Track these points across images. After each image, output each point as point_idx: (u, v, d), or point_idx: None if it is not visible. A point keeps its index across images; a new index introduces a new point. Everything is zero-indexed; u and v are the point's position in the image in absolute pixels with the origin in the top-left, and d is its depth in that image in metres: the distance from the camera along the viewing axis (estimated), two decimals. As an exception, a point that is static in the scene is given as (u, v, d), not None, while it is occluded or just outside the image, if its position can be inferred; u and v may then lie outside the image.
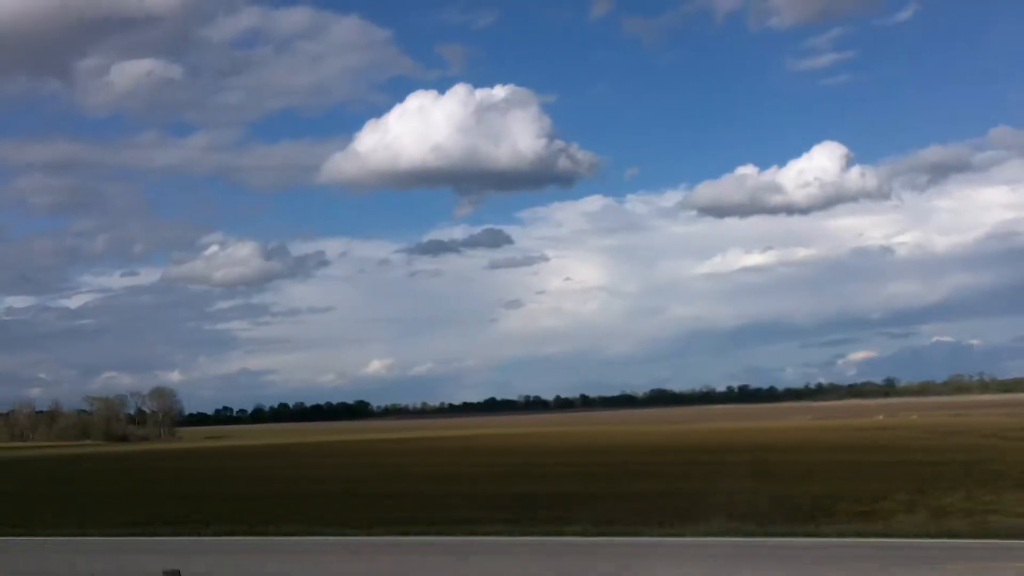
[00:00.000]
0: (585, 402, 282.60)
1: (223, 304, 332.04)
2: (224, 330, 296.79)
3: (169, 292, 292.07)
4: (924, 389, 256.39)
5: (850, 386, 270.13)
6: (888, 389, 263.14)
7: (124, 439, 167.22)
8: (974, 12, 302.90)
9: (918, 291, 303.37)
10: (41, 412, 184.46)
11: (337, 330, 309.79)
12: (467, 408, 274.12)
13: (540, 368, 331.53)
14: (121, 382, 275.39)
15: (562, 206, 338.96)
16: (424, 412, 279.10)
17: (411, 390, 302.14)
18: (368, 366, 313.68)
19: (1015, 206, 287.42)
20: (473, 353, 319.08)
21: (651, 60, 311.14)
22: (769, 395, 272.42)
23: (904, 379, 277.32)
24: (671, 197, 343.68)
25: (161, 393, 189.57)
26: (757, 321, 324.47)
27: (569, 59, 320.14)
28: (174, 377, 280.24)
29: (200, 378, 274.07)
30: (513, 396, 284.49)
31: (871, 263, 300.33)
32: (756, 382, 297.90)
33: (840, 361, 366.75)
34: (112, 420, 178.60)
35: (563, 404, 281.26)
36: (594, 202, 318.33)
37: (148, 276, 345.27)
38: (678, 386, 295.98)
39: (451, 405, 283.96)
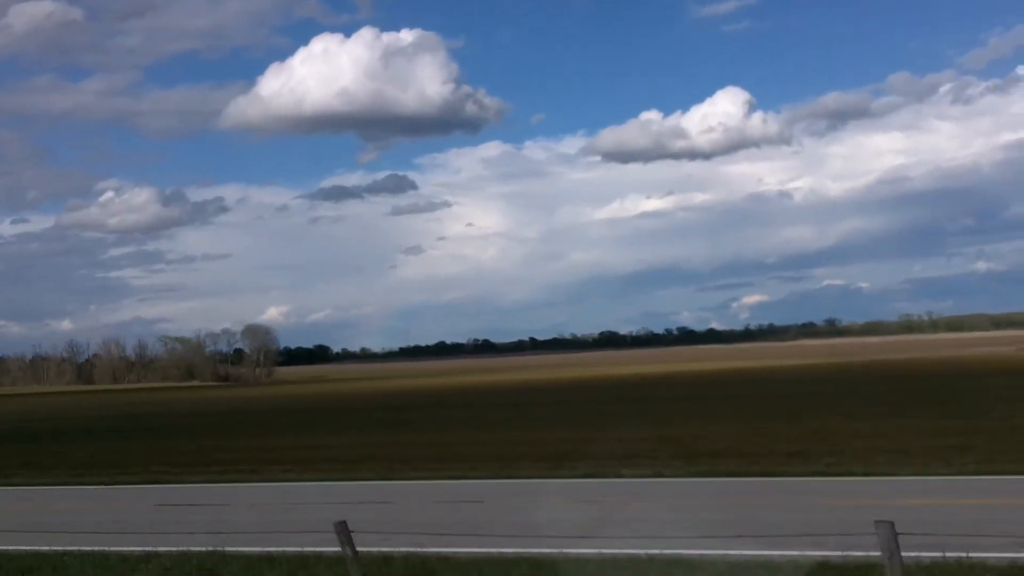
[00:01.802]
0: (486, 347, 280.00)
1: (116, 251, 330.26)
2: (117, 278, 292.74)
3: (61, 239, 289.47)
4: (872, 329, 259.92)
5: (802, 325, 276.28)
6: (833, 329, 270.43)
7: (226, 379, 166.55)
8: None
9: (811, 236, 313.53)
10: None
11: (233, 277, 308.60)
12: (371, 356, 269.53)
13: (440, 314, 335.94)
14: (10, 331, 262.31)
15: (460, 152, 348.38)
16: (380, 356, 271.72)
17: (308, 337, 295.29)
18: (265, 313, 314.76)
19: (906, 151, 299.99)
20: (372, 300, 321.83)
21: (561, 6, 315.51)
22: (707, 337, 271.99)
23: (790, 322, 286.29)
24: (571, 143, 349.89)
25: (255, 331, 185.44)
26: (655, 266, 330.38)
27: (478, 3, 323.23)
28: (65, 326, 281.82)
29: (92, 326, 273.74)
30: (422, 342, 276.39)
31: (767, 208, 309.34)
32: (653, 326, 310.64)
33: (734, 304, 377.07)
34: (217, 361, 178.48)
35: (454, 350, 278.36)
36: (493, 148, 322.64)
37: (40, 223, 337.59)
38: (577, 330, 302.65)
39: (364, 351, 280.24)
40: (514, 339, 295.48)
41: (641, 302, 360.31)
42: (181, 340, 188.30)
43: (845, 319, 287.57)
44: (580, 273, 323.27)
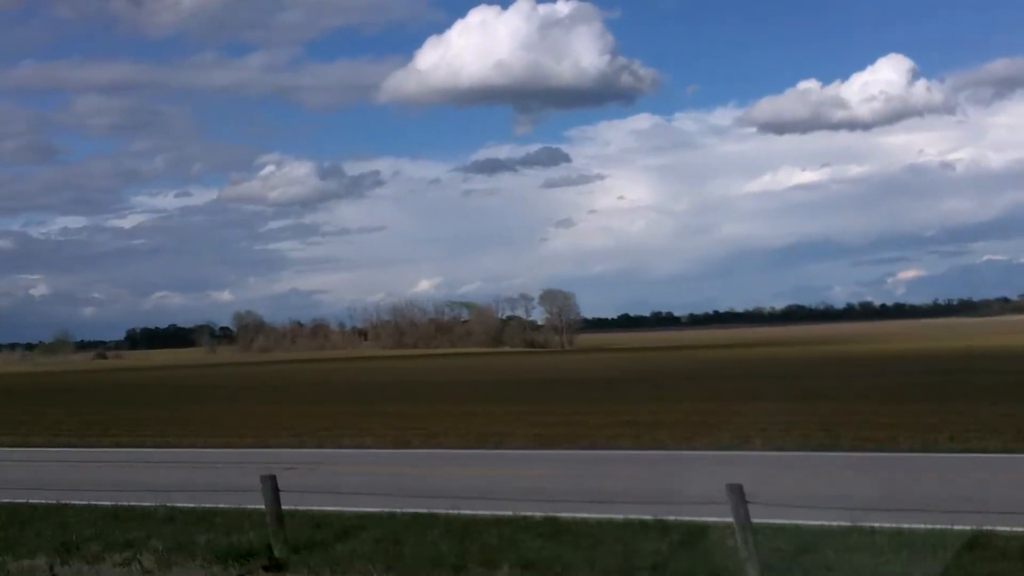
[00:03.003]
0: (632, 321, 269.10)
1: (275, 224, 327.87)
2: (275, 250, 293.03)
3: (222, 212, 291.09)
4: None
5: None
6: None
7: (532, 346, 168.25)
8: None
9: (972, 208, 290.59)
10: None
11: (387, 250, 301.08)
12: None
13: (587, 286, 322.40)
14: (172, 301, 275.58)
15: (611, 124, 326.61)
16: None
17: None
18: (417, 285, 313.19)
19: None
20: (522, 272, 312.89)
21: None
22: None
23: (947, 298, 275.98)
24: (723, 114, 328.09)
25: (554, 296, 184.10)
26: (807, 239, 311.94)
27: None
28: (226, 296, 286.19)
29: (251, 297, 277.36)
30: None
31: (926, 180, 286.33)
32: (805, 301, 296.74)
33: (889, 279, 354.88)
34: (522, 327, 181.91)
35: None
36: (643, 120, 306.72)
37: (202, 196, 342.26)
38: (726, 305, 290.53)
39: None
40: (665, 312, 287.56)
41: (793, 276, 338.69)
42: (469, 305, 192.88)
43: (1007, 295, 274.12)
44: (730, 247, 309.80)
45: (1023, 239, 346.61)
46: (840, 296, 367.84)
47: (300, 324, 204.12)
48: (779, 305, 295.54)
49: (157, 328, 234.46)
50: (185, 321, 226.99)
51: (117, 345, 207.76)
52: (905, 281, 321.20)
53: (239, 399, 45.68)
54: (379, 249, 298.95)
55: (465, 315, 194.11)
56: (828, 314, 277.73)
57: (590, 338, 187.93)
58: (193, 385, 64.52)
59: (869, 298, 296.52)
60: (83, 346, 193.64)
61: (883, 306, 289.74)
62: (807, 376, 50.30)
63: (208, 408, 39.12)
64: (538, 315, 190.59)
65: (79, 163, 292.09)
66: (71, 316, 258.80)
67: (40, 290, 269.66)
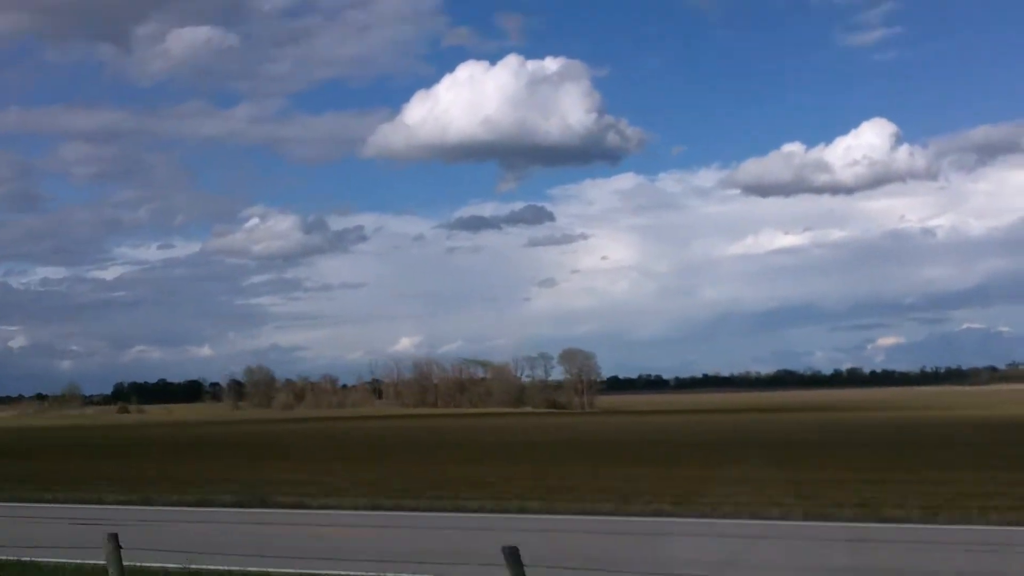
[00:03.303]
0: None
1: (257, 278, 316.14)
2: (256, 305, 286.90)
3: (205, 265, 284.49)
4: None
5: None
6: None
7: (554, 406, 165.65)
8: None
9: (952, 276, 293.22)
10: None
11: (368, 306, 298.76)
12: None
13: (568, 347, 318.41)
14: (151, 355, 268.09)
15: (594, 183, 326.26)
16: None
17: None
18: (397, 343, 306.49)
19: None
20: (503, 332, 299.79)
21: (707, 35, 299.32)
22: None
23: (930, 366, 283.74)
24: (706, 176, 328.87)
25: (574, 356, 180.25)
26: (788, 303, 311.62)
27: (624, 32, 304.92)
28: (204, 351, 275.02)
29: (230, 353, 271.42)
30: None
31: (907, 246, 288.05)
32: (785, 365, 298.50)
33: (869, 346, 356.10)
34: (543, 387, 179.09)
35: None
36: (627, 180, 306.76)
37: (186, 248, 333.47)
38: (707, 367, 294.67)
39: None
40: (654, 375, 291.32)
41: (774, 340, 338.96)
42: (485, 364, 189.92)
43: (983, 364, 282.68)
44: (712, 309, 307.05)
45: (1002, 307, 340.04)
46: (820, 362, 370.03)
47: (310, 380, 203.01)
48: (763, 369, 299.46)
49: (146, 383, 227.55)
50: (164, 375, 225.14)
51: (106, 400, 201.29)
52: (884, 348, 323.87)
53: (435, 456, 42.01)
54: (360, 305, 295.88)
55: (481, 373, 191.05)
56: (816, 379, 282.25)
57: (609, 399, 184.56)
58: (354, 440, 60.93)
59: (848, 364, 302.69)
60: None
61: (872, 372, 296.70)
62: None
63: (429, 465, 36.05)
64: (557, 374, 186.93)
65: (62, 211, 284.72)
66: (48, 369, 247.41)
67: (18, 341, 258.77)
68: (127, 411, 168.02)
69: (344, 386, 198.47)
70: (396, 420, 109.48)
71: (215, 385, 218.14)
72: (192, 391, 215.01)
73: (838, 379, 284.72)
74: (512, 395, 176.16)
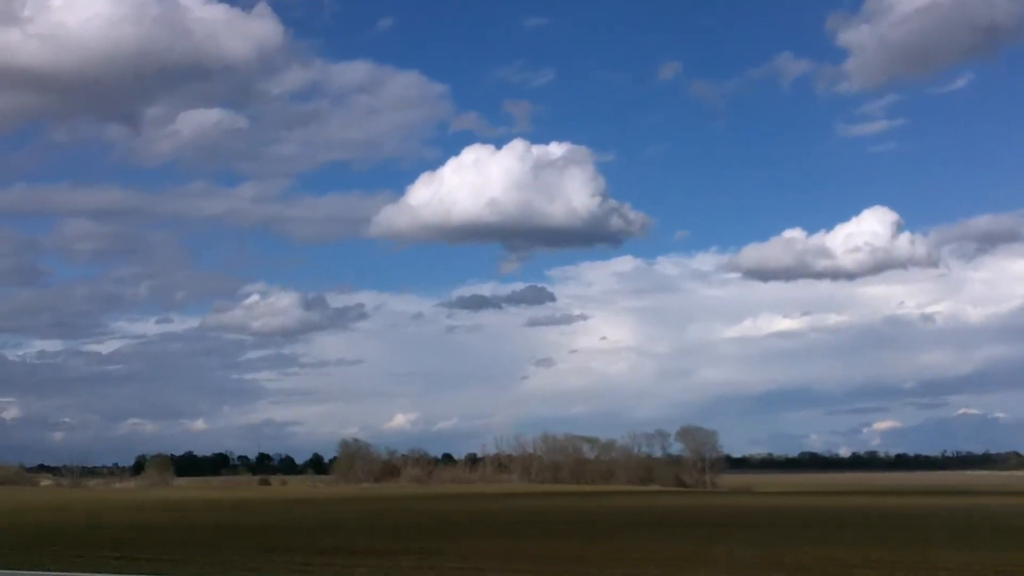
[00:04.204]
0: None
1: (253, 354, 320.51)
2: (251, 380, 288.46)
3: (202, 340, 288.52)
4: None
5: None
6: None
7: (681, 484, 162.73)
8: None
9: (949, 362, 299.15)
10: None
11: (364, 383, 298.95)
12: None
13: (564, 427, 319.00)
14: (144, 429, 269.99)
15: (593, 265, 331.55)
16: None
17: (432, 445, 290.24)
18: (392, 419, 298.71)
19: None
20: (500, 410, 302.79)
21: (711, 123, 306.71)
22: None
23: (927, 451, 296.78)
24: (704, 259, 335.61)
25: (693, 433, 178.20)
26: (785, 387, 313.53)
27: (629, 119, 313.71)
28: (198, 426, 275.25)
29: (224, 427, 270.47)
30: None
31: (904, 332, 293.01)
32: (782, 449, 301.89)
33: (865, 429, 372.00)
34: (669, 465, 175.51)
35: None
36: (626, 263, 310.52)
37: (184, 324, 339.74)
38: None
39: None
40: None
41: (769, 423, 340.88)
42: (590, 440, 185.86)
43: (979, 450, 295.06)
44: (709, 391, 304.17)
45: (998, 393, 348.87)
46: (816, 444, 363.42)
47: (398, 454, 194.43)
48: (756, 451, 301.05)
49: (173, 455, 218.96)
50: (158, 447, 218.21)
51: (133, 470, 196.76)
52: (880, 432, 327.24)
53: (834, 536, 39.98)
54: (356, 382, 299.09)
55: (588, 451, 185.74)
56: (833, 462, 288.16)
57: (731, 478, 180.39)
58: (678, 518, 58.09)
59: (844, 447, 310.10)
60: (88, 472, 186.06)
61: (899, 456, 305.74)
62: None
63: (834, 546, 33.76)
64: (675, 452, 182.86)
65: (61, 286, 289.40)
66: (40, 441, 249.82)
67: (11, 413, 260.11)
68: (268, 483, 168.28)
69: (436, 460, 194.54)
70: (608, 498, 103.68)
71: (243, 458, 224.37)
72: (218, 464, 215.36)
73: (852, 461, 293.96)
74: (639, 473, 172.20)
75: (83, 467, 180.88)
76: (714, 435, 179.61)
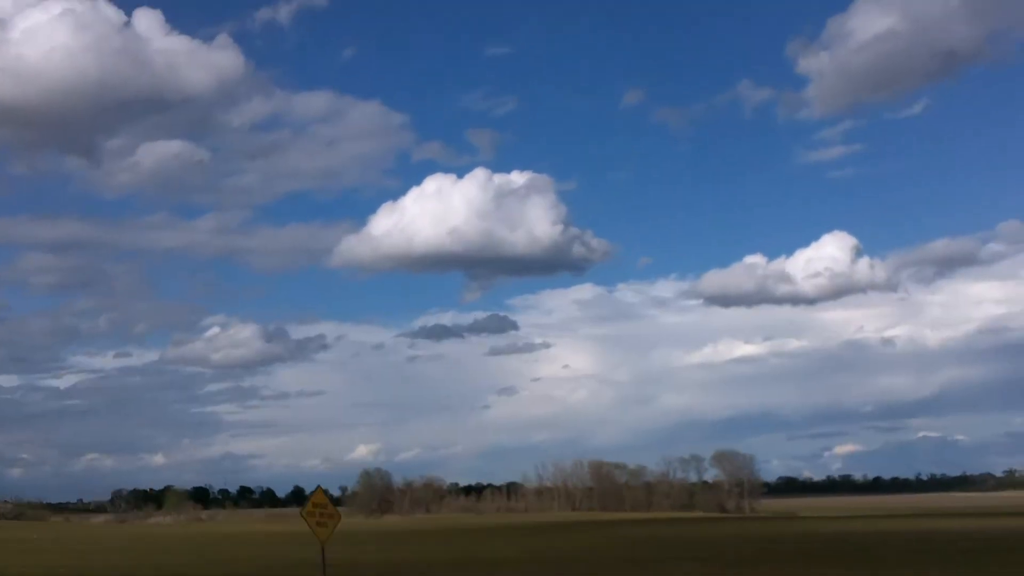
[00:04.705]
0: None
1: (213, 387, 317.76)
2: (211, 413, 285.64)
3: (161, 374, 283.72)
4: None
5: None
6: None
7: (724, 510, 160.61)
8: (983, 107, 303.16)
9: (908, 385, 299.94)
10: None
11: (325, 414, 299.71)
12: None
13: (526, 455, 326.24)
14: (103, 464, 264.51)
15: (553, 293, 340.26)
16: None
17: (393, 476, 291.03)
18: (354, 450, 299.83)
19: (1008, 301, 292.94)
20: (461, 440, 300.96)
21: (673, 150, 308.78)
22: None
23: (886, 474, 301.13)
24: (664, 286, 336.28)
25: (729, 458, 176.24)
26: (746, 412, 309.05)
27: (592, 146, 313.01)
28: (157, 460, 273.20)
29: (183, 460, 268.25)
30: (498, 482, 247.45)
31: (863, 356, 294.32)
32: (742, 474, 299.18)
33: (826, 453, 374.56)
34: (711, 490, 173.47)
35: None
36: (586, 291, 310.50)
37: (143, 357, 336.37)
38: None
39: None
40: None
41: (730, 448, 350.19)
42: (618, 466, 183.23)
43: (939, 472, 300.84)
44: (670, 417, 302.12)
45: (957, 416, 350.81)
46: (777, 469, 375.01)
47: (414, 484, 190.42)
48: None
49: (151, 489, 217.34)
50: (116, 484, 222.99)
51: (104, 507, 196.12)
52: (841, 456, 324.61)
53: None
54: (317, 413, 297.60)
55: (618, 476, 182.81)
56: (815, 487, 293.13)
57: (770, 503, 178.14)
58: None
59: (806, 472, 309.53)
60: (57, 508, 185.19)
61: (877, 479, 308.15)
62: None
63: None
64: (709, 477, 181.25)
65: (18, 320, 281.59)
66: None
67: None
68: (201, 519, 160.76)
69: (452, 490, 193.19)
70: (727, 523, 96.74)
71: (223, 491, 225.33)
72: (198, 498, 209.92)
73: (826, 485, 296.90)
74: (680, 499, 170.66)
75: (44, 503, 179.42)
76: (751, 459, 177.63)
